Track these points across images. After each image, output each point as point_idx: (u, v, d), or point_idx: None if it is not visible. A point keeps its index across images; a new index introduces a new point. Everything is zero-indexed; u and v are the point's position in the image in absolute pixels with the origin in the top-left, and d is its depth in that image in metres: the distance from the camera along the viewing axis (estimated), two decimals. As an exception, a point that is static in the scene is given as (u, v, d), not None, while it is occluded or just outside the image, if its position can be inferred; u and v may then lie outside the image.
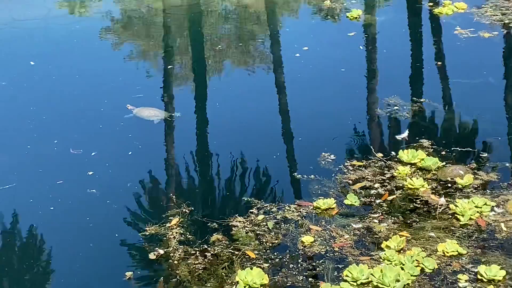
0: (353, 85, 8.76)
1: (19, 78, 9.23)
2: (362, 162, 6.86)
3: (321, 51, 9.85)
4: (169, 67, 9.71)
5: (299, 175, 6.76)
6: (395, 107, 7.94)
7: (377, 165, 6.80)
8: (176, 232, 5.99)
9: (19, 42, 10.56)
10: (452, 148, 6.99)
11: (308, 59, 9.58)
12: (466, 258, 5.50)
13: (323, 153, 7.04)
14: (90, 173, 6.93)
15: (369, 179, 6.58)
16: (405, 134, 7.36)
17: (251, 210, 6.26)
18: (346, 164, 6.85)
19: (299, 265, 5.57)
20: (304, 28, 11.13)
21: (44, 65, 9.64)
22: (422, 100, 8.10)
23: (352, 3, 11.51)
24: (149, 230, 6.05)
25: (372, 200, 6.30)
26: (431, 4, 11.16)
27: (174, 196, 6.52)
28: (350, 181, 6.58)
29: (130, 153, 7.32)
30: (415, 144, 7.06)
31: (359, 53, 9.78)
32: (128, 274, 5.62)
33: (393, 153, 6.94)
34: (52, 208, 6.44)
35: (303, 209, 6.24)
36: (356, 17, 10.74)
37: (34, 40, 10.62)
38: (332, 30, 10.91)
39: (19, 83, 9.09)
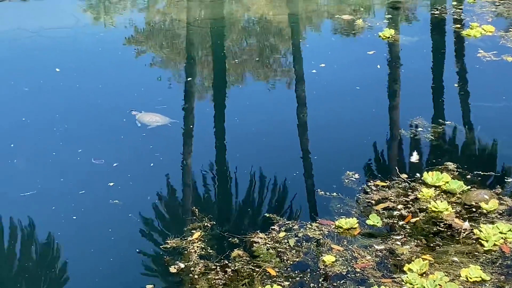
0: (370, 104, 8.70)
1: (45, 84, 9.26)
2: (386, 182, 6.81)
3: (338, 68, 9.82)
4: (188, 79, 9.72)
5: (322, 192, 6.72)
6: (419, 129, 7.90)
7: (400, 186, 6.75)
8: (197, 246, 5.96)
9: (46, 50, 10.59)
10: (477, 172, 6.93)
11: (324, 76, 9.55)
12: (489, 285, 5.44)
13: (348, 172, 7.00)
14: (111, 184, 6.91)
15: (393, 200, 6.53)
16: (415, 157, 7.33)
17: (272, 227, 6.22)
18: (369, 183, 6.80)
19: (320, 285, 5.52)
20: (324, 44, 11.11)
21: (70, 72, 9.65)
22: (446, 122, 8.05)
23: (384, 23, 11.44)
24: (171, 243, 6.02)
25: (395, 221, 6.25)
26: (458, 26, 11.13)
27: (196, 210, 6.49)
28: (373, 201, 6.54)
29: (152, 164, 7.30)
30: (440, 167, 7.01)
31: (377, 72, 9.73)
32: (149, 287, 5.60)
33: (417, 174, 6.90)
34: (74, 217, 6.45)
35: (324, 227, 6.20)
36: (388, 37, 10.66)
37: (61, 48, 10.64)
38: (352, 48, 10.87)
39: (45, 89, 9.12)
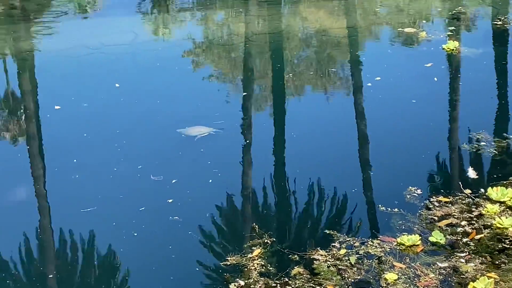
0: (428, 118, 8.56)
1: (105, 100, 9.38)
2: (449, 198, 6.68)
3: (394, 81, 9.69)
4: (246, 92, 9.71)
5: (383, 208, 6.62)
6: (482, 143, 7.73)
7: (464, 202, 6.61)
8: (257, 263, 5.91)
9: (106, 66, 10.73)
10: (543, 188, 6.75)
11: (379, 89, 9.46)
12: (558, 304, 5.28)
13: (410, 187, 6.89)
14: (170, 200, 6.91)
15: (456, 216, 6.39)
16: (472, 173, 7.16)
17: (333, 243, 6.15)
18: (432, 199, 6.68)
19: (382, 303, 5.44)
20: (382, 57, 10.99)
21: (129, 87, 9.75)
22: (510, 136, 7.87)
23: (447, 35, 11.27)
24: (231, 260, 6.00)
25: (458, 238, 6.11)
26: (523, 37, 10.98)
27: (256, 226, 6.45)
28: (436, 218, 6.41)
29: (210, 181, 7.29)
30: (504, 182, 6.84)
31: (436, 84, 9.57)
32: (209, 304, 5.59)
33: (481, 190, 6.75)
34: (135, 234, 6.47)
35: (386, 244, 6.10)
36: (452, 49, 10.49)
37: (121, 64, 10.78)
38: (409, 60, 10.74)
39: (105, 105, 9.23)
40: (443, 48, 10.52)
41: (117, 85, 9.77)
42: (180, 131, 8.27)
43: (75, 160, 7.73)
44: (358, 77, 10.17)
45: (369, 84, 9.61)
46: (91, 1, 14.59)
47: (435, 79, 9.69)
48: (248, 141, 8.26)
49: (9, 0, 14.09)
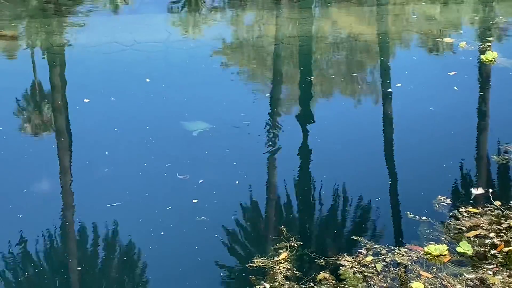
0: (453, 127, 8.51)
1: (135, 96, 9.43)
2: (478, 209, 6.63)
3: (414, 89, 9.64)
4: (270, 95, 9.70)
5: (411, 216, 6.57)
6: (512, 155, 7.70)
7: (493, 213, 6.56)
8: (283, 267, 5.89)
9: (138, 62, 10.78)
10: None
11: (399, 96, 9.41)
12: None
13: (439, 196, 6.84)
14: (195, 200, 6.90)
15: (485, 228, 6.34)
16: (477, 190, 7.07)
17: (359, 250, 6.11)
18: (460, 209, 6.63)
19: (408, 312, 5.41)
20: (405, 64, 10.93)
21: (158, 84, 9.79)
22: (542, 149, 7.83)
23: (487, 45, 11.20)
24: (257, 262, 5.98)
25: (486, 250, 6.06)
26: None
27: (284, 229, 6.43)
28: (464, 228, 6.36)
29: (237, 182, 7.28)
30: (535, 196, 6.80)
31: (454, 94, 9.50)
32: (234, 306, 5.58)
33: (511, 202, 6.70)
34: (162, 233, 6.47)
35: (413, 253, 6.06)
36: (491, 60, 10.41)
37: (152, 61, 10.82)
38: (433, 68, 10.67)
39: (135, 100, 9.28)
40: (482, 59, 10.44)
41: (147, 80, 9.82)
42: (182, 123, 8.32)
43: (106, 153, 7.76)
44: (384, 83, 10.13)
45: (390, 90, 9.58)
46: (123, -3, 14.69)
47: (455, 88, 9.62)
48: (273, 143, 8.24)
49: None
